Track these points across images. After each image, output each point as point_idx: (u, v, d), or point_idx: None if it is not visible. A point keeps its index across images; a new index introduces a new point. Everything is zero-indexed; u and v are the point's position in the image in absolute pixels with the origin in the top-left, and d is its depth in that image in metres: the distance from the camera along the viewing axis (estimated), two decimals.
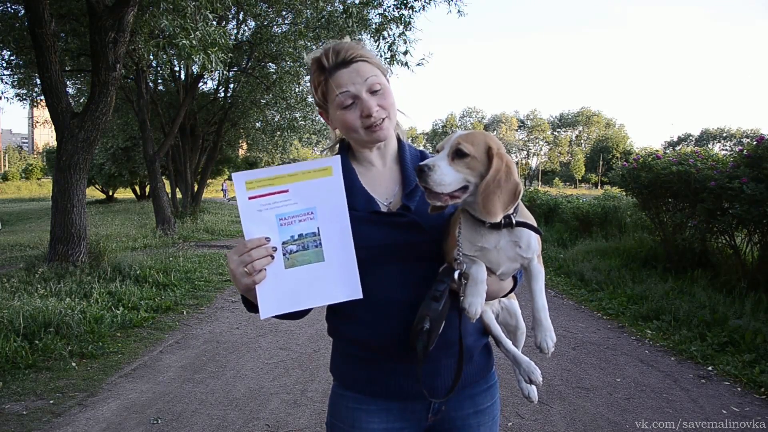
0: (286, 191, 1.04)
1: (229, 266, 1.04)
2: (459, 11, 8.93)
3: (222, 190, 35.59)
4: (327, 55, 1.15)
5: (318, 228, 1.05)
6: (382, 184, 1.22)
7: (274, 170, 1.04)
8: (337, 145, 1.29)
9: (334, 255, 1.06)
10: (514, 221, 1.04)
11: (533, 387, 1.29)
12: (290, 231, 1.05)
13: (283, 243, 1.05)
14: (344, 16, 8.71)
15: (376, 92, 1.15)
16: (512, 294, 1.25)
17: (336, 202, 1.05)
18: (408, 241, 1.13)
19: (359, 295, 1.06)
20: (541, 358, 4.03)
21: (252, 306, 1.12)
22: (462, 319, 1.08)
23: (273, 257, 1.03)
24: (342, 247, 1.06)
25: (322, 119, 15.09)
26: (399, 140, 1.28)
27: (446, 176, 1.00)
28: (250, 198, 1.03)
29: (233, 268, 1.03)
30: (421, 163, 1.01)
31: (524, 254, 1.07)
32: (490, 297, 1.08)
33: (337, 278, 1.06)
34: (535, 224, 1.07)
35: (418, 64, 9.89)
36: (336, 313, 1.21)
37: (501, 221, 1.03)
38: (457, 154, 1.02)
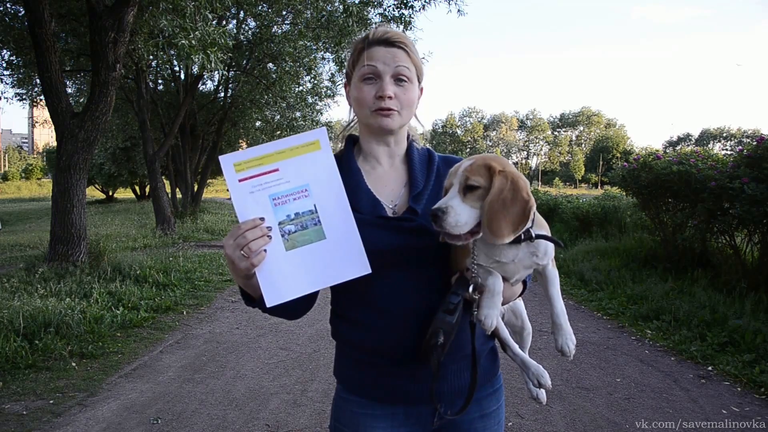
0: (276, 170, 1.01)
1: (225, 253, 1.00)
2: (459, 10, 8.94)
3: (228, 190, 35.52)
4: (375, 31, 1.15)
5: (314, 205, 1.02)
6: (388, 184, 1.20)
7: (261, 149, 1.01)
8: (344, 140, 1.28)
9: (336, 231, 1.02)
10: (533, 234, 1.01)
11: (542, 390, 1.28)
12: (285, 210, 1.02)
13: (280, 223, 1.01)
14: (344, 15, 8.72)
15: (400, 82, 1.13)
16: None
17: (329, 176, 1.02)
18: (415, 245, 1.10)
19: (368, 270, 1.03)
20: (541, 357, 4.03)
21: (251, 299, 1.09)
22: (475, 332, 1.07)
23: (270, 237, 1.00)
24: (342, 222, 1.02)
25: (322, 119, 15.09)
26: (409, 142, 1.26)
27: (461, 215, 0.96)
28: (240, 180, 1.00)
29: (230, 254, 0.99)
30: (434, 207, 0.97)
31: (541, 262, 1.06)
32: (502, 303, 1.07)
33: (342, 255, 1.03)
34: (549, 233, 1.05)
35: None
36: (340, 316, 1.19)
37: (521, 236, 0.99)
38: (469, 189, 0.98)
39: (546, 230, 1.06)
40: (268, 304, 1.02)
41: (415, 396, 1.13)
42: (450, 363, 1.12)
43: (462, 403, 1.14)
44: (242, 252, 0.98)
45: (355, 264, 1.03)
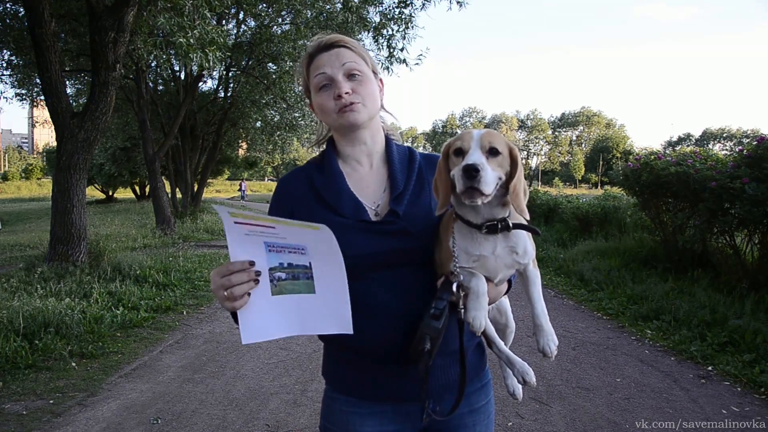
0: (273, 227, 0.97)
1: (211, 286, 1.02)
2: (459, 2, 8.91)
3: (240, 190, 35.44)
4: (312, 44, 1.18)
5: (309, 263, 1.00)
6: (370, 186, 1.20)
7: (257, 216, 0.97)
8: (325, 143, 1.28)
9: (327, 291, 1.00)
10: (510, 224, 1.03)
11: (519, 385, 1.30)
12: (279, 258, 1.00)
13: (271, 269, 1.00)
14: (343, 11, 8.71)
15: (353, 77, 1.15)
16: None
17: (329, 252, 0.97)
18: (398, 248, 1.11)
19: (350, 331, 1.02)
20: (541, 357, 4.02)
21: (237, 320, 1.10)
22: (463, 332, 1.07)
23: (257, 281, 0.99)
24: (335, 287, 1.00)
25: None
26: (387, 140, 1.27)
27: (490, 175, 0.98)
28: (236, 223, 0.97)
29: (213, 289, 1.01)
30: (472, 164, 0.97)
31: (521, 260, 1.07)
32: (488, 303, 1.08)
33: (327, 312, 1.01)
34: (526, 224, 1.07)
35: (416, 63, 9.89)
36: None
37: (498, 225, 1.02)
38: (491, 153, 1.01)
39: (523, 221, 1.08)
40: (244, 342, 1.02)
41: (403, 394, 1.14)
42: (437, 358, 1.11)
43: (450, 398, 1.14)
44: (225, 293, 0.99)
45: (339, 323, 1.01)
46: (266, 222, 0.97)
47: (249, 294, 1.00)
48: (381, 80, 1.24)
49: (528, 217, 1.04)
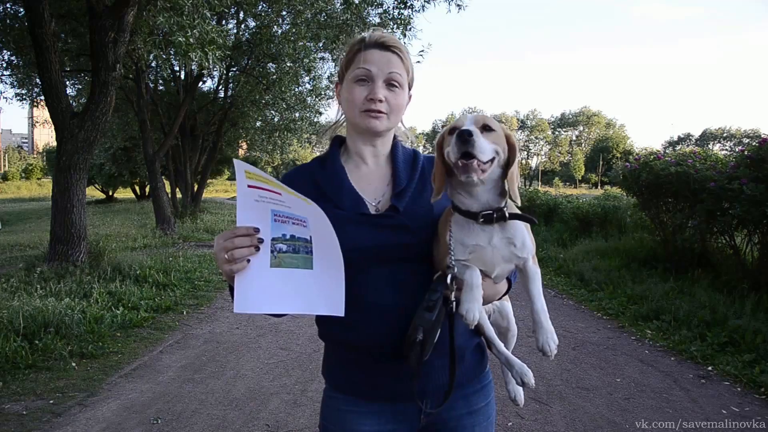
0: (279, 194, 1.00)
1: (214, 249, 1.03)
2: (458, 5, 8.94)
3: None
4: (372, 35, 1.18)
5: (310, 237, 1.02)
6: (372, 183, 1.21)
7: (268, 176, 1.00)
8: (333, 137, 1.30)
9: (324, 267, 1.02)
10: (507, 214, 1.02)
11: (520, 390, 1.29)
12: (283, 229, 1.02)
13: (274, 239, 1.01)
14: (343, 7, 8.73)
15: (392, 87, 1.15)
16: (505, 296, 1.24)
17: (325, 232, 1.01)
18: (396, 242, 1.12)
19: (341, 313, 1.02)
20: (541, 357, 4.02)
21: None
22: (454, 324, 1.06)
23: (258, 248, 1.00)
24: (332, 266, 1.01)
25: (320, 120, 15.14)
26: (394, 141, 1.28)
27: (484, 143, 0.97)
28: (249, 186, 0.99)
29: (215, 252, 1.02)
30: (465, 128, 0.97)
31: (519, 254, 1.05)
32: (485, 301, 1.07)
33: (322, 290, 1.02)
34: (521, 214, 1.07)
35: (418, 62, 9.90)
36: (325, 315, 1.20)
37: (494, 215, 1.02)
38: (485, 129, 1.01)
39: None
40: (236, 310, 1.02)
41: (401, 393, 1.13)
42: (435, 359, 1.10)
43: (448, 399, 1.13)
44: (226, 255, 0.99)
45: (332, 303, 1.02)
46: (274, 187, 0.99)
47: (248, 261, 1.01)
48: (410, 96, 1.25)
49: (519, 203, 1.05)
